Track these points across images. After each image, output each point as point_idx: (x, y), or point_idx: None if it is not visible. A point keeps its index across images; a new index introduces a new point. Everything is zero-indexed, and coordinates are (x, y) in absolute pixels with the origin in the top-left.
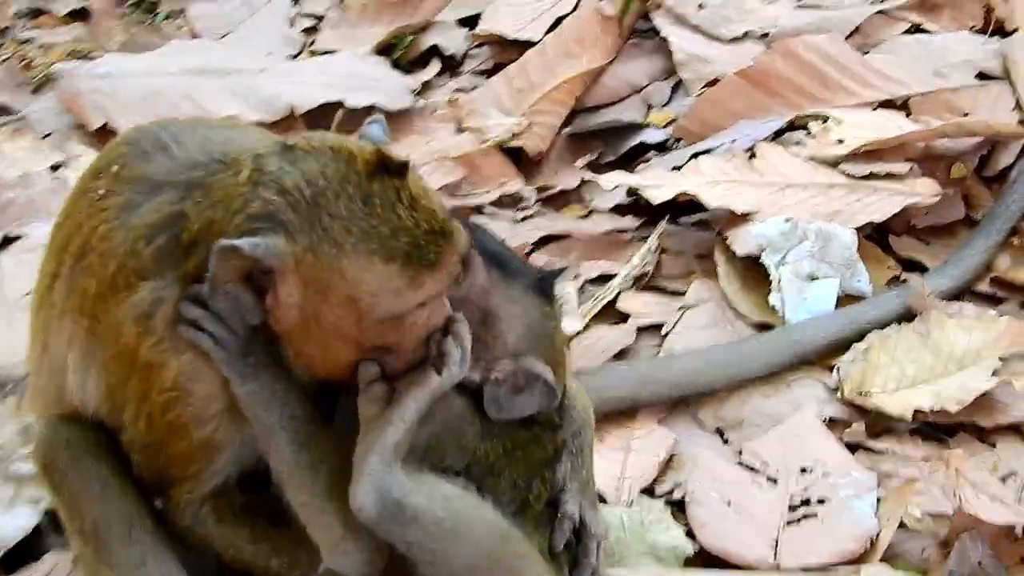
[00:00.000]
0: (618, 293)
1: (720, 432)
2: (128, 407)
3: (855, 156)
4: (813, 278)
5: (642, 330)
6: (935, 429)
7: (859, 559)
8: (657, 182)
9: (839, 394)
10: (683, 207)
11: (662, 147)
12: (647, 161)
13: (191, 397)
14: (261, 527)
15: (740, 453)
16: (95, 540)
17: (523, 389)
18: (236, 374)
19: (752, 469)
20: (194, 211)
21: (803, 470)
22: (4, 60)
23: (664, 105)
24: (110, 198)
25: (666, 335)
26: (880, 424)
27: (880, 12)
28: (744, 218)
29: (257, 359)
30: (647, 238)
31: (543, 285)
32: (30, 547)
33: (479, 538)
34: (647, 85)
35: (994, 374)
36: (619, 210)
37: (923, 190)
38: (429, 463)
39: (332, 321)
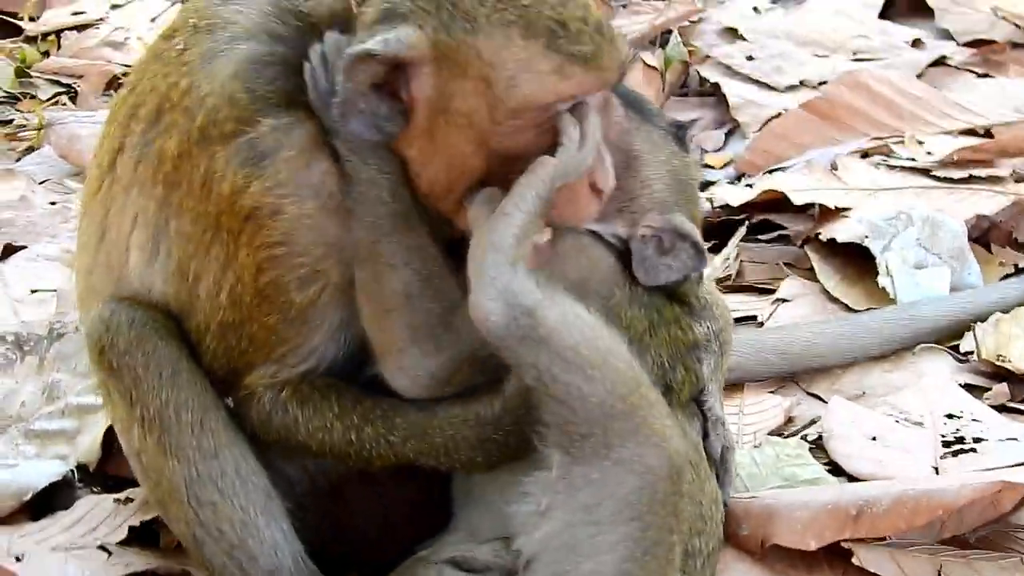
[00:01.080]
0: None
1: None
2: (204, 280)
3: (948, 164)
4: (920, 267)
5: (737, 321)
6: None
7: None
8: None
9: (976, 356)
10: (757, 227)
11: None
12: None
13: (300, 251)
14: (349, 400)
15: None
16: (160, 429)
17: (670, 251)
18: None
19: (892, 417)
20: (298, 41)
21: (949, 416)
22: None
23: (718, 150)
24: (191, 50)
25: (762, 324)
26: (1021, 392)
27: (941, 63)
28: (838, 213)
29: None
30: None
31: (680, 134)
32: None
33: (615, 376)
34: (697, 134)
35: None
36: None
37: None
38: None
39: (465, 115)
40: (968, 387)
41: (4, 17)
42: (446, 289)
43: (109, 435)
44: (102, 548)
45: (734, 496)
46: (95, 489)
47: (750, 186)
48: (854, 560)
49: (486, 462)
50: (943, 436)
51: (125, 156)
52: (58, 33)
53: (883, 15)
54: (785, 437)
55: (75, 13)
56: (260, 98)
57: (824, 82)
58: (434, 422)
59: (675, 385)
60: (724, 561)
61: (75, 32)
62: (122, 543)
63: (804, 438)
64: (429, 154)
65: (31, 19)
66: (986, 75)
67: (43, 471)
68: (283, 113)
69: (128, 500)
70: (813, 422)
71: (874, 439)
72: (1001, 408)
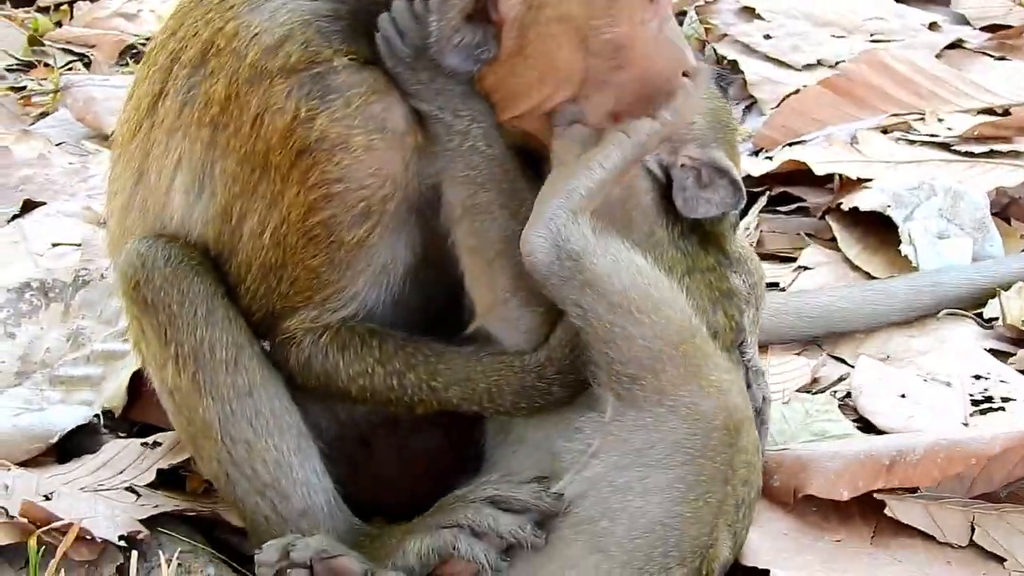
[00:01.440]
0: None
1: None
2: (248, 220)
3: (968, 140)
4: (942, 237)
5: None
6: None
7: None
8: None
9: (1001, 322)
10: (777, 199)
11: None
12: None
13: (359, 186)
14: (391, 345)
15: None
16: (194, 366)
17: (708, 185)
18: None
19: (919, 377)
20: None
21: (976, 376)
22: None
23: None
24: None
25: (783, 290)
26: None
27: (957, 46)
28: (859, 184)
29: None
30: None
31: (722, 82)
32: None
33: (666, 323)
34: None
35: None
36: None
37: None
38: None
39: (558, 17)
40: (993, 352)
41: None
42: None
43: (134, 382)
44: (130, 489)
45: (766, 449)
46: (120, 434)
47: (770, 158)
48: (887, 511)
49: (528, 408)
50: (971, 395)
51: (168, 101)
52: (70, 4)
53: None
54: (814, 394)
55: None
56: (328, 36)
57: (841, 62)
58: (478, 368)
59: (717, 330)
60: (756, 511)
61: (87, 3)
62: (149, 485)
63: (833, 394)
64: (521, 72)
65: None
66: (1002, 58)
67: (68, 416)
68: (351, 55)
69: (155, 444)
70: (841, 379)
71: (903, 396)
72: None
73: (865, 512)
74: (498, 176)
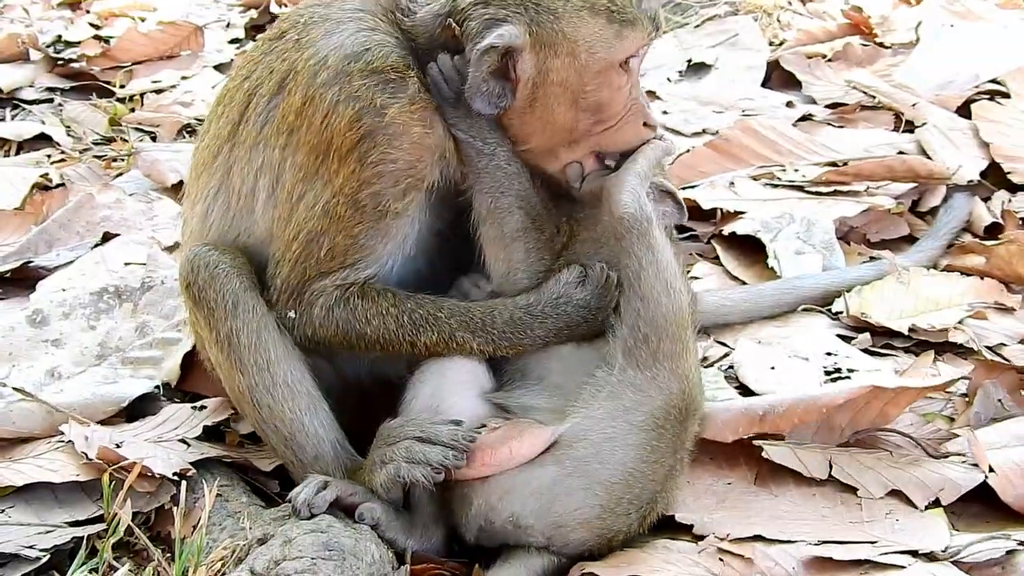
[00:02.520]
0: None
1: None
2: (307, 197)
3: (818, 183)
4: (799, 254)
5: None
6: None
7: None
8: None
9: (845, 314)
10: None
11: None
12: None
13: (405, 166)
14: (403, 295)
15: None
16: (229, 348)
17: (659, 202)
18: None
19: (784, 354)
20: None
21: (828, 353)
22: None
23: None
24: (304, 38)
25: None
26: (880, 340)
27: (808, 118)
28: (736, 215)
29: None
30: None
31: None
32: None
33: (682, 306)
34: None
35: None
36: None
37: (880, 201)
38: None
39: (559, 83)
40: (840, 337)
41: (103, 83)
42: (546, 224)
43: (186, 361)
44: (182, 441)
45: None
46: (175, 400)
47: None
48: (764, 455)
49: (511, 344)
50: (824, 367)
51: (248, 125)
52: (142, 95)
53: (763, 85)
54: (705, 367)
55: (154, 81)
56: (403, 56)
57: (717, 132)
58: (475, 304)
59: None
60: None
61: (154, 94)
62: (197, 438)
63: (720, 369)
64: (531, 121)
65: (121, 86)
66: (841, 126)
67: (135, 387)
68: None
69: (202, 408)
70: (724, 357)
71: (772, 368)
72: (866, 351)
73: (748, 459)
74: (515, 185)
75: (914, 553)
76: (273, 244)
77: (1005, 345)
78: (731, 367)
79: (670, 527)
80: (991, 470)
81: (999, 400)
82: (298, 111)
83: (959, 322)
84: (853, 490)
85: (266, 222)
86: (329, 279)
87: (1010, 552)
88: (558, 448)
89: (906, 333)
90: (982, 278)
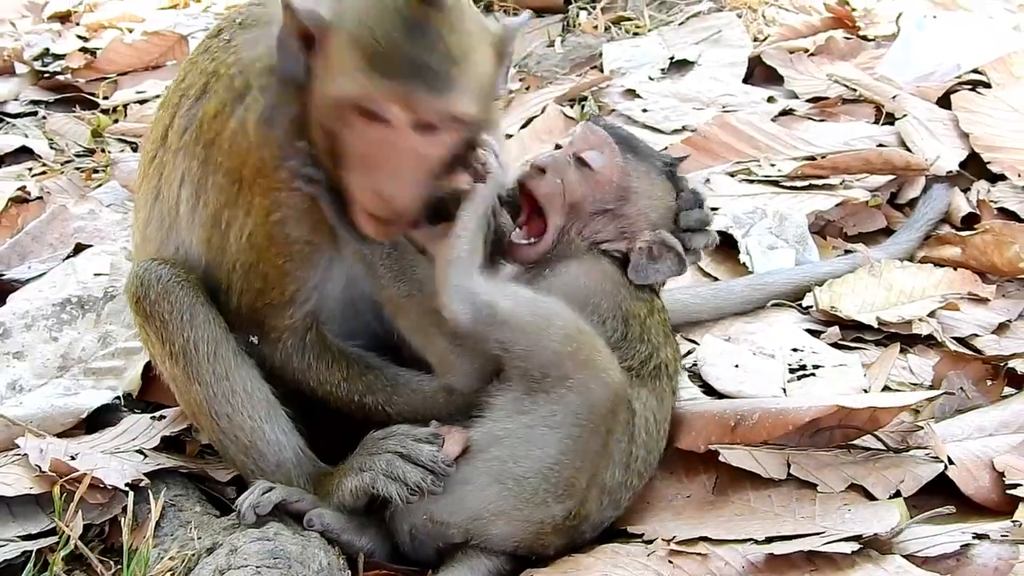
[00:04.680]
0: None
1: None
2: (233, 226)
3: (793, 177)
4: (772, 249)
5: None
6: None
7: None
8: None
9: (815, 308)
10: None
11: None
12: None
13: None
14: (358, 368)
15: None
16: (184, 360)
17: (658, 258)
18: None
19: (750, 351)
20: None
21: (794, 349)
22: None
23: None
24: (237, 39)
25: None
26: (849, 334)
27: (788, 113)
28: (712, 211)
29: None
30: None
31: (670, 170)
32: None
33: (561, 328)
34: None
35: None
36: None
37: (855, 194)
38: (587, 319)
39: (333, 93)
40: (809, 332)
41: (86, 95)
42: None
43: (147, 371)
44: (139, 451)
45: None
46: (136, 410)
47: None
48: (721, 458)
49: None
50: (789, 365)
51: (174, 127)
52: (125, 106)
53: (745, 80)
54: None
55: (138, 91)
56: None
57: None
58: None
59: (667, 360)
60: None
61: (138, 105)
62: (155, 449)
63: (684, 367)
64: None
65: (105, 97)
66: (823, 120)
67: (95, 397)
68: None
69: (161, 417)
70: (689, 354)
71: (737, 366)
72: (834, 345)
73: (707, 466)
74: (408, 270)
75: (858, 538)
76: (216, 271)
77: (978, 336)
78: (695, 364)
79: (622, 536)
80: (950, 462)
81: (961, 389)
82: (211, 120)
83: (930, 314)
84: (812, 487)
85: (197, 241)
86: (277, 319)
87: (965, 545)
88: (472, 448)
89: (875, 326)
90: (956, 269)
